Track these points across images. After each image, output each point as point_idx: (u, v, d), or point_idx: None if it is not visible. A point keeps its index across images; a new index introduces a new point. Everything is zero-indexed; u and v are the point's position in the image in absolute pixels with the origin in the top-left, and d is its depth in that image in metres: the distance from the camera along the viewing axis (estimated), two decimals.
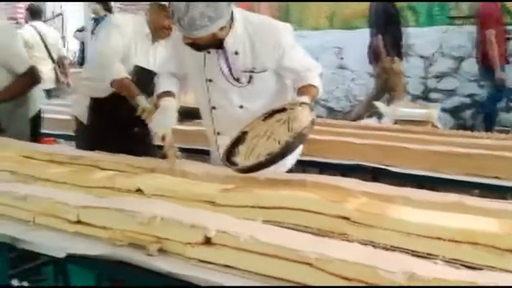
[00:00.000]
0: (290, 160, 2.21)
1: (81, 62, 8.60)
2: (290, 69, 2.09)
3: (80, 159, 2.37)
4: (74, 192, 1.87)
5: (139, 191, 1.87)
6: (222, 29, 1.91)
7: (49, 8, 10.79)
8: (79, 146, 2.92)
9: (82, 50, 9.04)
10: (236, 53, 2.02)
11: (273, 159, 1.80)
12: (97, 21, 6.71)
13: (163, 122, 2.11)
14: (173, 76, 2.25)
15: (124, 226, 1.52)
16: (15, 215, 1.77)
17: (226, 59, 2.03)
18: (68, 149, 2.76)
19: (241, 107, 2.11)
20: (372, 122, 4.33)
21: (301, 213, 1.52)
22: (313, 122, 1.85)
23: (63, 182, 2.05)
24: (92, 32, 6.38)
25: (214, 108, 2.16)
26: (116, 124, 2.78)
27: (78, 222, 1.62)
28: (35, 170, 2.20)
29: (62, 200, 1.66)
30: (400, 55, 5.43)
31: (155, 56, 2.80)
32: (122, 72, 2.49)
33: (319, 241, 1.34)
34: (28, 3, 6.85)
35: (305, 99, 1.93)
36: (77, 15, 11.29)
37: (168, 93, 2.16)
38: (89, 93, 2.82)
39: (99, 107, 2.78)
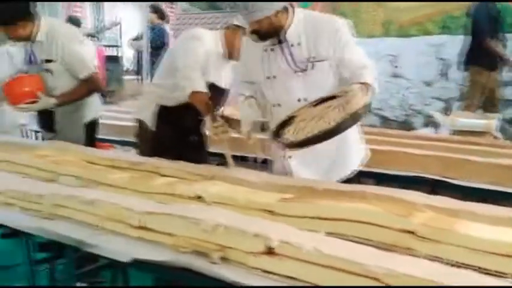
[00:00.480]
0: (354, 164, 2.26)
1: (137, 70, 8.82)
2: (348, 63, 2.08)
3: (141, 165, 2.43)
4: (136, 197, 1.92)
5: (199, 198, 1.89)
6: (277, 15, 2.02)
7: (107, 17, 11.21)
8: (141, 150, 3.01)
9: (138, 58, 9.27)
10: (298, 44, 2.09)
11: (324, 135, 1.76)
12: (153, 30, 6.91)
13: (249, 117, 2.19)
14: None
15: (187, 233, 1.54)
16: (82, 219, 1.83)
17: (289, 51, 2.10)
18: (128, 155, 2.83)
19: (301, 100, 2.12)
20: (428, 131, 4.23)
21: (363, 226, 1.50)
22: (367, 105, 1.80)
23: (124, 187, 2.11)
24: (153, 42, 6.57)
25: (274, 106, 2.21)
26: (179, 132, 2.87)
27: (142, 227, 1.66)
28: (97, 175, 2.26)
29: (127, 206, 1.71)
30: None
31: (226, 75, 2.87)
32: (203, 85, 2.54)
33: (384, 255, 1.32)
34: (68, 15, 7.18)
35: (357, 85, 1.90)
36: (132, 24, 11.68)
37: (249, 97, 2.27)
38: (157, 100, 2.89)
39: (167, 114, 2.86)
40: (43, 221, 1.90)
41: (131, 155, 2.83)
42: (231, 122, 2.50)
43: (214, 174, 2.22)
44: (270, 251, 1.38)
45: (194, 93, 2.52)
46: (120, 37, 11.01)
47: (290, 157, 2.21)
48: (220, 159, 3.46)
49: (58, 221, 1.88)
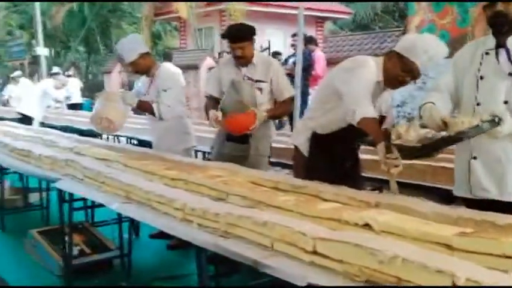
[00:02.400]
0: None
1: None
2: None
3: (303, 189, 2.50)
4: (304, 221, 1.97)
5: (366, 225, 1.88)
6: None
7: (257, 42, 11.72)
8: (296, 173, 3.08)
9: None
10: None
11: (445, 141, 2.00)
12: (304, 55, 7.08)
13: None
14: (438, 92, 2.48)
15: (362, 262, 1.54)
16: (254, 239, 1.92)
17: (508, 55, 2.26)
18: (290, 178, 2.91)
19: (505, 102, 2.26)
20: None
21: None
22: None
23: (290, 210, 2.18)
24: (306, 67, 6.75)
25: (478, 104, 2.33)
26: (332, 158, 2.88)
27: (314, 252, 1.70)
28: (263, 196, 2.37)
29: (300, 230, 1.76)
30: None
31: (381, 102, 2.83)
32: (373, 111, 2.53)
33: None
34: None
35: None
36: (279, 48, 12.12)
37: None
38: (312, 127, 2.95)
39: (320, 141, 2.90)
40: (218, 239, 2.04)
41: (292, 178, 2.90)
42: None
43: (378, 201, 2.20)
44: None
45: (365, 119, 2.47)
46: (246, 35, 11.50)
47: (475, 158, 2.35)
48: (369, 183, 3.42)
49: (233, 239, 2.00)
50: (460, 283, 1.30)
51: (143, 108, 4.09)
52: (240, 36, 3.55)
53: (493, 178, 2.32)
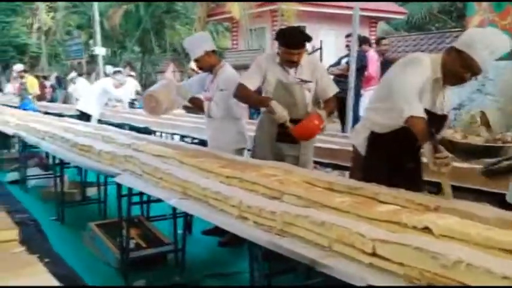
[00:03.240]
0: None
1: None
2: None
3: (358, 190, 2.48)
4: (362, 223, 1.96)
5: (426, 229, 1.85)
6: None
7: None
8: (353, 175, 3.06)
9: (336, 82, 9.49)
10: None
11: None
12: (359, 56, 7.00)
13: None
14: None
15: (423, 265, 1.52)
16: (311, 239, 1.93)
17: None
18: (345, 179, 2.90)
19: None
20: None
21: None
22: None
23: (346, 211, 2.17)
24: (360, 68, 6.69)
25: None
26: (392, 159, 2.84)
27: (374, 254, 1.69)
28: (319, 196, 2.37)
29: (359, 231, 1.75)
30: None
31: (442, 101, 2.77)
32: (421, 111, 2.47)
33: None
34: None
35: None
36: (331, 49, 12.04)
37: None
38: (370, 126, 2.93)
39: (379, 140, 2.87)
40: (275, 237, 2.06)
41: (347, 180, 2.89)
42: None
43: (437, 205, 2.15)
44: None
45: (412, 118, 2.44)
46: (307, 41, 11.43)
47: None
48: (427, 187, 3.35)
49: (289, 238, 2.01)
50: None
51: (194, 103, 4.19)
52: (300, 43, 3.59)
53: None
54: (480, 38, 2.48)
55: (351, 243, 1.77)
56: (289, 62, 3.63)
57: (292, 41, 3.57)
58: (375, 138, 2.88)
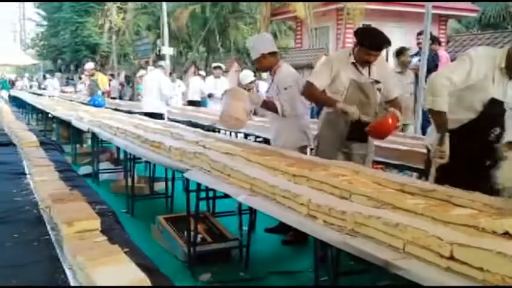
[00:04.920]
0: None
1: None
2: None
3: (431, 193, 2.40)
4: (437, 226, 1.90)
5: (506, 234, 1.77)
6: None
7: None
8: (425, 175, 2.99)
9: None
10: None
11: None
12: (431, 55, 6.79)
13: (509, 175, 1.99)
14: None
15: (505, 271, 1.46)
16: (384, 240, 1.90)
17: None
18: (415, 180, 2.82)
19: None
20: None
21: None
22: None
23: (420, 213, 2.11)
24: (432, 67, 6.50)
25: None
26: (465, 156, 2.75)
27: (451, 258, 1.63)
28: (390, 198, 2.32)
29: (436, 234, 1.70)
30: None
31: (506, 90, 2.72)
32: (442, 105, 2.63)
33: None
34: None
35: None
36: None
37: None
38: None
39: (452, 138, 2.78)
40: (345, 237, 2.03)
41: (418, 181, 2.81)
42: None
43: None
44: None
45: (431, 111, 2.71)
46: (389, 44, 11.13)
47: None
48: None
49: (361, 238, 1.99)
50: None
51: (267, 106, 4.22)
52: (382, 46, 3.62)
53: None
54: None
55: (427, 246, 1.72)
56: (365, 62, 3.64)
57: (375, 42, 3.58)
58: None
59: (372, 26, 14.90)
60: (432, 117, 2.67)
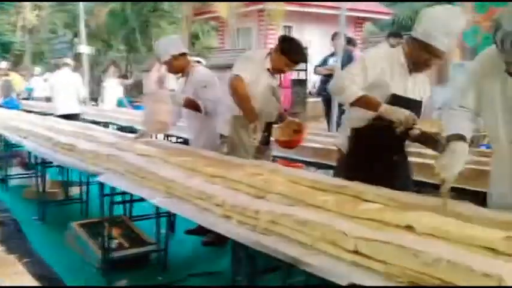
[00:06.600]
0: None
1: (319, 92, 8.95)
2: None
3: (342, 189, 2.47)
4: (345, 221, 1.96)
5: (408, 227, 1.85)
6: None
7: None
8: (336, 174, 3.06)
9: (323, 82, 9.49)
10: None
11: None
12: (347, 55, 7.03)
13: (449, 166, 2.07)
14: (467, 113, 2.19)
15: (404, 263, 1.52)
16: (295, 237, 1.92)
17: None
18: (328, 178, 2.90)
19: None
20: None
21: None
22: None
23: (329, 209, 2.17)
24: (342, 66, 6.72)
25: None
26: (374, 152, 2.83)
27: (356, 252, 1.68)
28: (303, 195, 2.37)
29: (341, 229, 1.75)
30: None
31: (414, 86, 2.82)
32: (358, 92, 2.62)
33: None
34: None
35: None
36: (318, 49, 12.05)
37: (459, 137, 2.11)
38: (349, 124, 2.95)
39: (358, 136, 2.87)
40: (259, 236, 2.04)
41: (330, 178, 2.89)
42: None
43: (419, 203, 2.16)
44: None
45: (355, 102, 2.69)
46: (306, 61, 11.38)
47: None
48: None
49: (272, 236, 2.00)
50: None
51: (190, 105, 4.14)
52: (301, 62, 3.76)
53: None
54: (435, 24, 2.51)
55: (333, 241, 1.76)
56: (279, 70, 3.72)
57: (298, 57, 3.66)
58: (355, 134, 2.88)
59: (293, 27, 15.16)
60: (361, 106, 2.67)
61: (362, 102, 2.64)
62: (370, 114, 2.71)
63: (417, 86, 2.83)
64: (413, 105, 2.73)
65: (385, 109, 2.56)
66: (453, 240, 1.69)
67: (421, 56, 2.64)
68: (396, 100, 2.66)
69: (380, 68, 2.70)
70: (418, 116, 2.73)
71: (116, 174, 3.28)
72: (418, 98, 2.81)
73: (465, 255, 1.48)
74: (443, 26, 2.49)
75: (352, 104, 2.67)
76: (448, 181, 2.07)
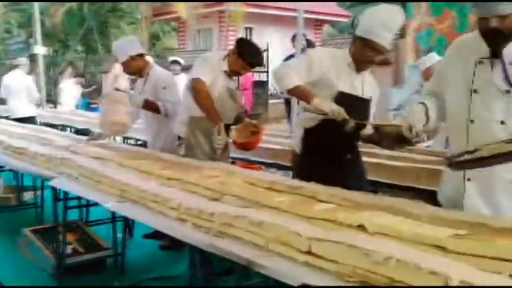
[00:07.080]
0: None
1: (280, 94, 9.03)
2: None
3: (298, 189, 2.48)
4: (299, 222, 1.96)
5: (360, 226, 1.88)
6: None
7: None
8: (294, 175, 3.07)
9: None
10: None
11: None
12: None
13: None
14: (432, 96, 2.32)
15: (355, 262, 1.54)
16: (250, 239, 1.92)
17: (504, 68, 1.99)
18: (285, 179, 2.90)
19: (502, 122, 2.03)
20: None
21: None
22: None
23: (285, 210, 2.17)
24: None
25: (472, 121, 2.10)
26: (326, 151, 2.84)
27: (309, 252, 1.69)
28: (259, 197, 2.36)
29: (295, 230, 1.75)
30: None
31: (362, 85, 2.87)
32: (296, 81, 2.65)
33: None
34: None
35: None
36: (278, 51, 12.13)
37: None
38: (302, 124, 2.95)
39: (309, 136, 2.89)
40: (213, 238, 2.03)
41: (288, 179, 2.89)
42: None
43: (373, 203, 2.19)
44: None
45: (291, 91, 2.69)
46: (268, 63, 11.41)
47: (469, 179, 2.13)
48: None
49: (227, 239, 1.99)
50: (454, 284, 1.30)
51: (149, 107, 4.06)
52: (258, 66, 3.79)
53: (489, 203, 2.12)
54: (375, 21, 2.65)
55: (287, 242, 1.77)
56: (236, 73, 3.73)
57: (256, 61, 3.70)
58: (307, 135, 2.89)
59: (254, 28, 15.15)
60: (296, 96, 2.76)
61: (299, 91, 2.66)
62: (317, 114, 2.72)
63: (366, 86, 2.88)
64: (361, 103, 2.80)
65: (318, 101, 2.57)
66: (404, 239, 1.72)
67: (365, 53, 2.73)
68: (343, 97, 2.69)
69: (326, 66, 2.74)
70: (367, 115, 2.78)
71: (69, 178, 3.20)
72: (366, 97, 2.85)
73: (414, 254, 1.51)
74: (383, 22, 2.63)
75: (289, 92, 2.71)
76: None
